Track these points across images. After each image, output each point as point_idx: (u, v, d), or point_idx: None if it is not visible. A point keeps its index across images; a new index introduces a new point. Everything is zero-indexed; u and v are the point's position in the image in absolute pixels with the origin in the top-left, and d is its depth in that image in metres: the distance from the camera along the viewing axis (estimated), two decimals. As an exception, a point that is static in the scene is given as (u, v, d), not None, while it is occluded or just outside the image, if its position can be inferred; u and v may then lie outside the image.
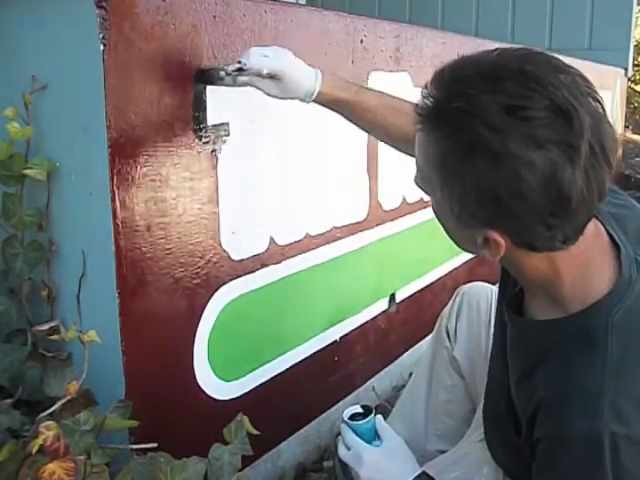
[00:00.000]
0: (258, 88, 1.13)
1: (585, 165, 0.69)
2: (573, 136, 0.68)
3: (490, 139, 0.68)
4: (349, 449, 1.05)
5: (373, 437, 1.06)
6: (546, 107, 0.68)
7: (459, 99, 0.71)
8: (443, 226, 0.87)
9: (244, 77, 1.10)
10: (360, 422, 1.05)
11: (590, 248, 0.82)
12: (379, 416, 1.07)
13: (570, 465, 0.78)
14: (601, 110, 0.71)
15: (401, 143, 1.21)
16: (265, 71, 1.09)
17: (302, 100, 1.16)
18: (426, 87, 0.76)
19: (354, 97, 1.17)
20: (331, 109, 1.19)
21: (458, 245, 0.88)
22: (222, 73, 1.09)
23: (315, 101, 1.16)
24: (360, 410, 1.08)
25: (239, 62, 1.09)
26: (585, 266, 0.82)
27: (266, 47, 1.13)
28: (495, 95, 0.69)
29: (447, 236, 0.89)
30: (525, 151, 0.68)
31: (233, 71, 1.09)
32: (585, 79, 0.72)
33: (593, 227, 0.83)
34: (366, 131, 1.30)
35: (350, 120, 1.22)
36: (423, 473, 1.05)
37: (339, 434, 1.08)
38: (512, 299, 0.96)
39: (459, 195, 0.75)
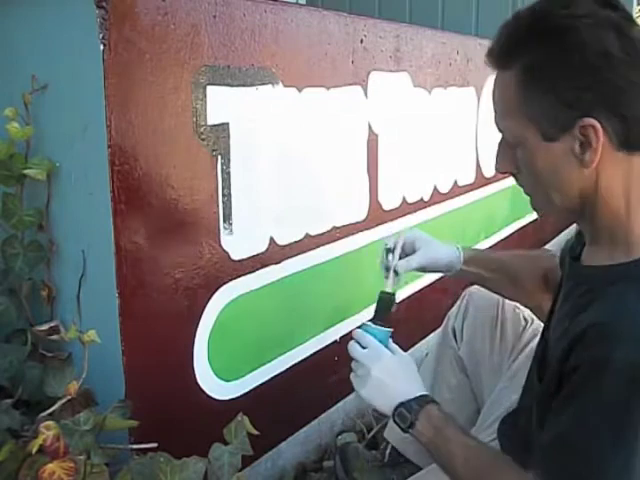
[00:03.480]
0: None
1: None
2: (621, 11, 0.81)
3: (564, 23, 0.79)
4: (364, 348, 1.06)
5: (386, 346, 1.08)
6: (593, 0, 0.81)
7: (525, 18, 0.83)
8: (535, 179, 0.88)
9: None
10: (380, 328, 1.08)
11: None
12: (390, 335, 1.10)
13: (609, 392, 0.77)
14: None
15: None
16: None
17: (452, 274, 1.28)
18: (490, 44, 0.86)
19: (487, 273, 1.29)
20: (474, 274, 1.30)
21: (554, 189, 0.88)
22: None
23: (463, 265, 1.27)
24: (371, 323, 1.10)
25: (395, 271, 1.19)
26: None
27: (416, 237, 1.25)
28: (553, 2, 0.82)
29: (538, 200, 0.91)
30: (594, 23, 0.79)
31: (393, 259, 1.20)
32: None
33: None
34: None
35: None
36: (427, 396, 1.05)
37: (351, 338, 1.09)
38: (575, 251, 0.97)
39: (551, 88, 0.80)
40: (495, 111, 0.89)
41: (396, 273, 1.19)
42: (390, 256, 1.21)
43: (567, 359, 0.82)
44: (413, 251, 1.23)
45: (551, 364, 0.88)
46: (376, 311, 1.11)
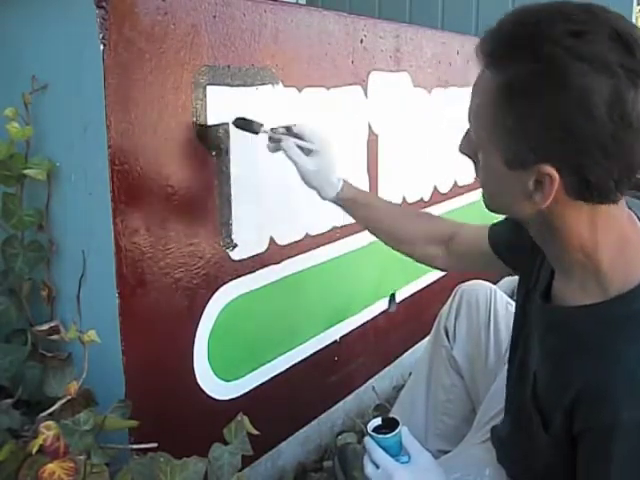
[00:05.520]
0: (294, 161, 1.22)
1: None
2: (634, 62, 0.70)
3: (560, 58, 0.71)
4: (377, 467, 0.97)
5: (399, 451, 1.00)
6: (610, 34, 0.71)
7: (529, 26, 0.74)
8: (488, 189, 0.87)
9: (286, 142, 1.21)
10: (387, 436, 0.99)
11: (627, 228, 0.82)
12: (405, 428, 1.01)
13: (627, 454, 0.77)
14: None
15: (400, 243, 1.33)
16: (308, 133, 1.22)
17: (324, 194, 1.27)
18: (486, 32, 0.79)
19: (371, 200, 1.33)
20: (347, 210, 1.31)
21: (503, 207, 0.87)
22: (263, 129, 1.19)
23: (334, 199, 1.27)
24: (380, 422, 1.02)
25: (285, 126, 1.20)
26: (623, 243, 0.81)
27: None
28: (564, 22, 0.72)
29: (490, 204, 0.88)
30: (592, 71, 0.70)
31: (278, 128, 1.20)
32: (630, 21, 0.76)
33: (627, 214, 0.84)
34: (369, 230, 1.37)
35: (362, 224, 1.35)
36: None
37: (363, 447, 1.02)
38: (543, 289, 0.93)
39: (522, 124, 0.75)
40: (471, 101, 0.83)
41: (288, 129, 1.21)
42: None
43: (572, 419, 0.82)
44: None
45: (551, 413, 0.87)
46: (383, 419, 1.03)
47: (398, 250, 1.34)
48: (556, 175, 0.75)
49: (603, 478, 0.79)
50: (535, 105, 0.73)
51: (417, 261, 1.34)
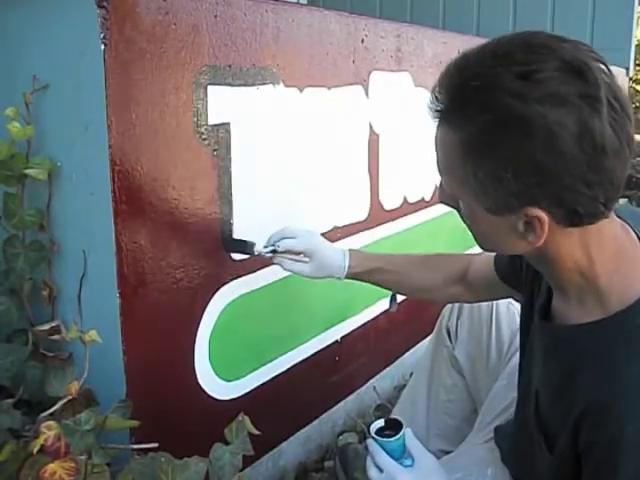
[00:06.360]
0: (292, 271, 1.24)
1: (608, 117, 0.69)
2: (591, 89, 0.69)
3: (515, 106, 0.69)
4: (381, 470, 0.97)
5: (402, 454, 0.99)
6: (559, 67, 0.69)
7: (474, 79, 0.72)
8: (477, 233, 0.85)
9: (277, 259, 1.23)
10: (390, 439, 0.99)
11: (621, 239, 0.82)
12: (409, 430, 1.01)
13: (633, 469, 0.76)
14: (607, 69, 0.72)
15: (422, 293, 1.32)
16: (297, 249, 1.22)
17: (336, 277, 1.26)
18: (436, 86, 0.77)
19: (382, 264, 1.28)
20: (364, 280, 1.29)
21: (497, 248, 0.87)
22: (256, 251, 1.21)
23: (348, 277, 1.27)
24: (382, 424, 1.02)
25: (272, 245, 1.21)
26: (619, 256, 0.81)
27: (295, 229, 1.25)
28: (507, 67, 0.70)
29: (483, 245, 0.86)
30: (551, 109, 0.68)
31: (267, 253, 1.21)
32: (586, 45, 0.73)
33: (620, 224, 0.83)
34: (396, 290, 1.39)
35: (382, 286, 1.32)
36: None
37: (365, 448, 1.02)
38: (542, 307, 0.93)
39: (493, 176, 0.73)
40: (436, 154, 0.82)
41: (274, 252, 1.21)
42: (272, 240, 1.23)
43: (577, 438, 0.81)
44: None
45: (555, 436, 0.86)
46: (386, 421, 1.03)
47: (423, 298, 1.36)
48: (544, 216, 0.73)
49: None
50: (501, 156, 0.71)
51: (445, 303, 1.36)
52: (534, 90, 0.68)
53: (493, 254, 1.17)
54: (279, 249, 1.21)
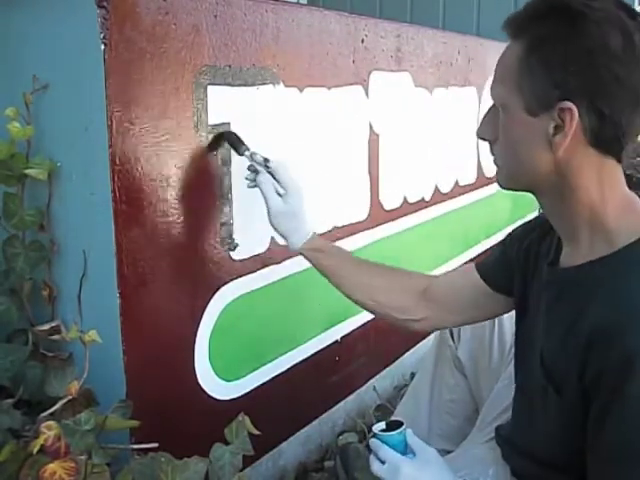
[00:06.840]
0: (265, 195, 1.19)
1: None
2: (636, 19, 0.83)
3: (579, 12, 0.81)
4: (383, 463, 0.99)
5: (405, 449, 1.01)
6: (614, 3, 0.83)
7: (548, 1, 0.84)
8: (508, 146, 0.90)
9: (263, 176, 1.18)
10: (392, 433, 1.01)
11: (631, 194, 0.89)
12: (409, 430, 1.03)
13: None
14: None
15: (375, 294, 1.28)
16: (284, 180, 1.19)
17: (293, 240, 1.22)
18: (510, 14, 0.88)
19: (341, 251, 1.29)
20: (311, 257, 1.25)
21: (520, 166, 0.90)
22: (246, 152, 1.18)
23: (304, 247, 1.23)
24: (384, 426, 1.03)
25: (265, 159, 1.18)
26: (627, 202, 0.88)
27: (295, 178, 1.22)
28: None
29: (505, 167, 0.93)
30: (607, 18, 0.81)
31: (255, 160, 1.18)
32: None
33: (627, 190, 0.90)
34: (337, 282, 1.30)
35: (320, 266, 1.27)
36: None
37: (367, 447, 1.03)
38: (551, 260, 0.97)
39: (543, 63, 0.82)
40: (494, 77, 0.91)
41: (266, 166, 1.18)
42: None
43: (584, 372, 0.82)
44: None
45: (564, 377, 0.87)
46: (387, 423, 1.04)
47: (370, 309, 1.32)
48: (575, 111, 0.81)
49: (617, 427, 0.79)
50: (557, 46, 0.81)
51: (401, 326, 1.31)
52: (596, 6, 0.81)
53: (463, 268, 1.21)
54: (270, 164, 1.18)
